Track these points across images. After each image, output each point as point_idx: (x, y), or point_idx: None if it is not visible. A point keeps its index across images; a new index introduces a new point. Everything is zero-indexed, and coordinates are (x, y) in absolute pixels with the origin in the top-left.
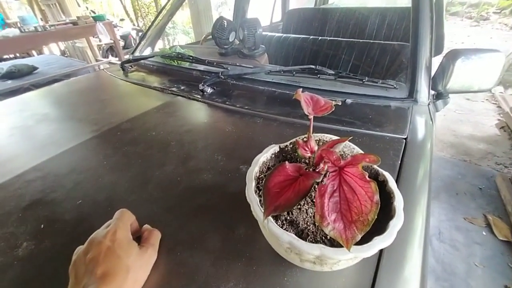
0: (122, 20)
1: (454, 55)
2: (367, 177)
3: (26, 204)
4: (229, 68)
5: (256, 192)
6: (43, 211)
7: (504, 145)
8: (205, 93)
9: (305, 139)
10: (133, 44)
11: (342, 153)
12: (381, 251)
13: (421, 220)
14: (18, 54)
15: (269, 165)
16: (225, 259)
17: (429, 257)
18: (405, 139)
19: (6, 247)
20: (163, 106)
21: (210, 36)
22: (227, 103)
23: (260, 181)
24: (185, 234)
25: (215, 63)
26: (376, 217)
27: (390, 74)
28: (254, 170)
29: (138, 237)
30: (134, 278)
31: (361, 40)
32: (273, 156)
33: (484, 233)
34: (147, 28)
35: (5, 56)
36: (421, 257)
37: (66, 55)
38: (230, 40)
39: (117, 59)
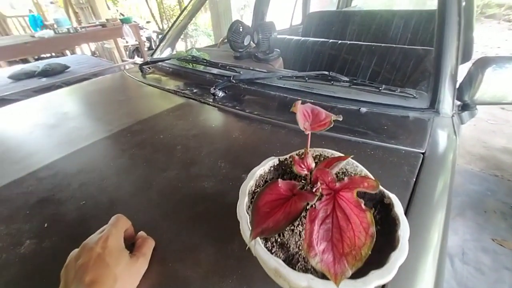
0: (148, 22)
1: (483, 63)
2: (362, 205)
3: (34, 201)
4: (241, 72)
5: (249, 207)
6: (48, 209)
7: None
8: (216, 96)
9: (302, 155)
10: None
11: (345, 170)
12: None
13: (433, 248)
14: (53, 54)
15: (266, 178)
16: (217, 274)
17: (450, 280)
18: (423, 153)
19: (11, 243)
20: (174, 109)
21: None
22: (236, 107)
23: (256, 194)
24: (179, 244)
25: (227, 67)
26: (370, 252)
27: (413, 81)
28: (249, 183)
29: (133, 244)
30: (122, 287)
31: (382, 45)
32: (271, 168)
33: None
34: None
35: (42, 55)
36: None
37: (95, 55)
38: (245, 43)
39: (141, 59)
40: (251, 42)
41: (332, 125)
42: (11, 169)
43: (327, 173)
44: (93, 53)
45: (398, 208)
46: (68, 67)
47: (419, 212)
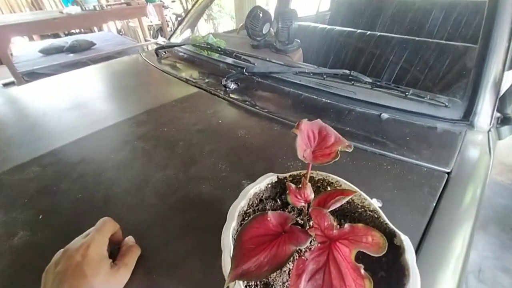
0: (173, 1)
1: None
2: (362, 270)
3: (33, 190)
4: (255, 64)
5: (236, 231)
6: (45, 200)
7: None
8: (227, 88)
9: (299, 185)
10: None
11: (351, 201)
12: None
13: None
14: (82, 30)
15: (262, 196)
16: None
17: None
18: (448, 173)
19: (5, 233)
20: (183, 99)
21: None
22: (247, 102)
23: (247, 218)
24: (168, 254)
25: (242, 57)
26: None
27: (446, 84)
28: (239, 204)
29: (120, 248)
30: None
31: (416, 38)
32: (269, 186)
33: None
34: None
35: (71, 31)
36: None
37: (121, 33)
38: (264, 32)
39: (164, 39)
40: (271, 30)
41: (338, 157)
42: (18, 153)
43: (323, 217)
44: (119, 31)
45: (410, 255)
46: (94, 44)
47: (435, 246)
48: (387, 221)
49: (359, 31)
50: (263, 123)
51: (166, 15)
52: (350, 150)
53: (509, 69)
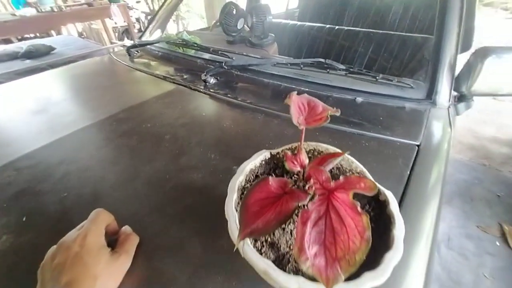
0: (138, 1)
1: (483, 53)
2: (359, 208)
3: (12, 193)
4: (234, 58)
5: (238, 204)
6: (27, 202)
7: None
8: (207, 83)
9: (295, 151)
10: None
11: (339, 166)
12: None
13: (425, 242)
14: (38, 34)
15: (257, 172)
16: (204, 271)
17: (436, 265)
18: (418, 146)
19: None
20: (163, 96)
21: None
22: (228, 95)
23: (245, 191)
24: (166, 239)
25: (219, 52)
26: (364, 257)
27: (410, 70)
28: (238, 179)
29: (116, 240)
30: (102, 287)
31: (380, 31)
32: (263, 162)
33: (497, 243)
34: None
35: (26, 36)
36: None
37: (83, 37)
38: (239, 27)
39: (131, 41)
40: (245, 25)
41: (328, 120)
42: None
43: (321, 172)
44: (80, 34)
45: (394, 206)
46: (54, 48)
47: (412, 206)
48: (372, 180)
49: (328, 26)
50: (246, 113)
51: (131, 16)
52: (338, 114)
53: (461, 52)
